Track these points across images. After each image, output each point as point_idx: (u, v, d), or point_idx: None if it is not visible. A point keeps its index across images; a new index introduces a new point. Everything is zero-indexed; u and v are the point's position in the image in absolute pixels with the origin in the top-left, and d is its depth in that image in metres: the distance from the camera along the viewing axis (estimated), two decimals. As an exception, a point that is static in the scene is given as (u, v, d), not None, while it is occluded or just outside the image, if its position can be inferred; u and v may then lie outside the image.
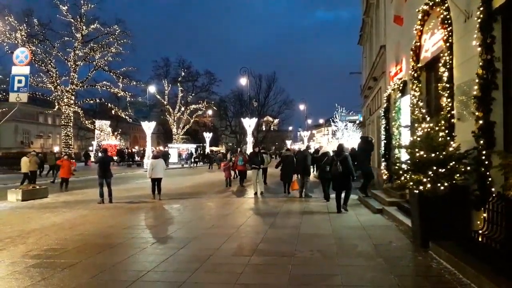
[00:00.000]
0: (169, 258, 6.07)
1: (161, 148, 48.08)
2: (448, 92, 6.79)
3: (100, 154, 15.75)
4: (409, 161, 6.57)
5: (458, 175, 5.94)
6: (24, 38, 29.99)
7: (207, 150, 51.56)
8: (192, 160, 40.93)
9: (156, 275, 5.29)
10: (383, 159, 13.10)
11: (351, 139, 55.72)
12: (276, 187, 17.22)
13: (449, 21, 6.85)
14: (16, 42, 28.99)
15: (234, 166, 18.88)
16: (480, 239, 4.94)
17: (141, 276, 5.22)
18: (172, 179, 16.24)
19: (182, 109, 53.54)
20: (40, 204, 12.57)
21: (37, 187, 14.61)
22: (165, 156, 37.53)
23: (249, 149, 33.62)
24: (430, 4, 7.70)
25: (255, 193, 14.25)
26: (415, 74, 8.91)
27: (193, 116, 55.42)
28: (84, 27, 33.32)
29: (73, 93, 33.54)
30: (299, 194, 13.39)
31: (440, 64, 7.04)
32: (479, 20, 5.58)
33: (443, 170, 5.92)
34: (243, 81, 37.33)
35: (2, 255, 6.32)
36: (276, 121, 77.93)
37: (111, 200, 12.55)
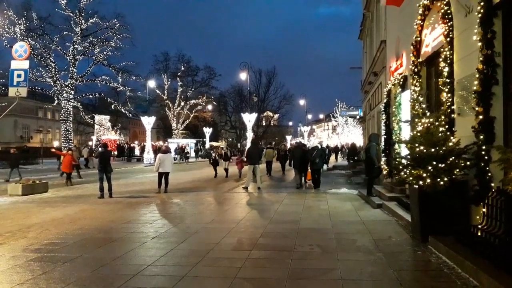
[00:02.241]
0: (169, 253, 6.10)
1: (161, 143, 48.06)
2: (448, 87, 6.78)
3: (100, 149, 15.90)
4: (409, 156, 6.58)
5: (457, 170, 5.95)
6: (23, 32, 29.87)
7: (207, 145, 51.61)
8: (183, 155, 38.96)
9: (156, 269, 5.31)
10: (383, 154, 13.10)
11: (351, 134, 55.87)
12: (279, 180, 17.29)
13: (450, 16, 6.83)
14: (15, 36, 28.88)
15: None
16: (479, 234, 4.95)
17: (141, 270, 5.24)
18: (172, 174, 16.24)
19: (182, 104, 53.40)
20: (40, 199, 12.60)
21: (37, 181, 14.63)
22: (182, 150, 37.73)
23: (248, 145, 33.65)
24: (431, -2, 7.67)
25: (258, 188, 14.56)
26: (416, 69, 8.89)
27: (193, 111, 55.30)
28: (83, 21, 33.16)
29: (73, 87, 33.47)
30: (298, 186, 14.79)
31: (441, 59, 7.03)
32: (479, 15, 5.56)
33: (443, 165, 5.93)
34: (243, 76, 37.24)
35: (3, 249, 6.34)
36: (276, 116, 77.78)
37: (111, 195, 12.59)
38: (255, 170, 15.07)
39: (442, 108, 6.94)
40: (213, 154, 22.46)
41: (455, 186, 5.91)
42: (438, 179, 5.92)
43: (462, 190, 5.95)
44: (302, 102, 61.54)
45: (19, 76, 12.81)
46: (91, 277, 5.01)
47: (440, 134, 6.29)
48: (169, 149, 16.01)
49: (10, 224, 8.40)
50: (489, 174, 5.43)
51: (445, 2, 6.93)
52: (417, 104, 8.40)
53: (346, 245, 6.41)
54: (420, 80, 8.78)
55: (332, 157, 39.23)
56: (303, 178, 15.52)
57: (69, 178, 16.92)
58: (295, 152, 16.00)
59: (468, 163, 5.91)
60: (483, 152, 5.50)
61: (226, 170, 20.02)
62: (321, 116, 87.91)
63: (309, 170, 15.26)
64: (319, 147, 16.16)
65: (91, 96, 39.74)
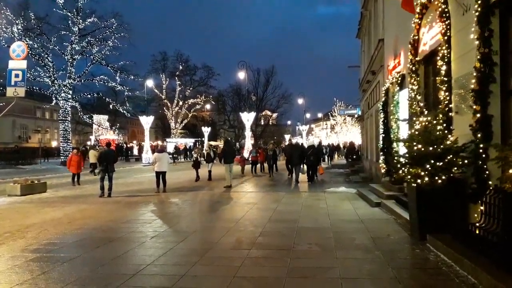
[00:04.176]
0: (168, 252, 6.11)
1: (159, 142, 47.97)
2: (446, 85, 6.80)
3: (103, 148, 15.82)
4: (407, 155, 6.59)
5: (455, 168, 5.98)
6: (21, 32, 29.74)
7: (205, 144, 51.56)
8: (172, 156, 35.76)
9: (156, 269, 5.32)
10: (381, 153, 13.13)
11: (350, 133, 55.96)
12: (277, 180, 17.31)
13: (447, 15, 6.84)
14: (13, 36, 28.77)
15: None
16: (477, 232, 4.97)
17: (141, 269, 5.25)
18: (171, 173, 16.26)
19: (180, 103, 53.36)
20: (38, 199, 12.58)
21: (36, 181, 14.61)
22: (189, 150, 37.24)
23: (248, 143, 33.64)
24: (429, -3, 7.67)
25: (229, 186, 14.88)
26: (413, 68, 8.91)
27: (191, 111, 55.26)
28: (81, 21, 33.05)
29: (71, 87, 33.36)
30: (295, 180, 16.43)
31: (438, 58, 7.04)
32: (477, 14, 5.57)
33: (441, 163, 5.95)
34: (241, 75, 37.22)
35: (2, 250, 6.33)
36: (274, 115, 77.71)
37: (110, 194, 12.62)
38: (230, 169, 15.25)
39: (440, 106, 6.96)
40: (194, 155, 19.65)
41: (453, 184, 5.94)
42: (436, 178, 5.94)
43: (460, 188, 5.96)
44: (300, 101, 61.29)
45: (17, 76, 12.79)
46: (90, 276, 5.02)
47: (438, 133, 6.31)
48: (165, 148, 15.97)
49: (8, 225, 8.39)
50: (487, 172, 5.45)
51: (442, 1, 6.94)
52: (415, 102, 8.44)
53: (344, 244, 6.42)
54: (418, 78, 8.80)
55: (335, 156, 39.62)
56: (296, 174, 16.98)
57: (73, 179, 16.62)
58: (293, 151, 17.38)
59: (466, 161, 5.93)
60: (481, 150, 5.52)
61: (209, 172, 18.21)
62: (320, 115, 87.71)
63: (320, 165, 17.88)
64: (315, 146, 18.22)
65: (89, 96, 39.68)
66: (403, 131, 10.56)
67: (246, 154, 26.62)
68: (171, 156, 35.99)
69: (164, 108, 53.69)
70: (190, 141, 51.89)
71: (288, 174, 18.69)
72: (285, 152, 19.95)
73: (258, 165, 22.59)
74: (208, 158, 18.38)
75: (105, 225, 8.31)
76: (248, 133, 35.60)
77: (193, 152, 23.53)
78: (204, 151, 19.59)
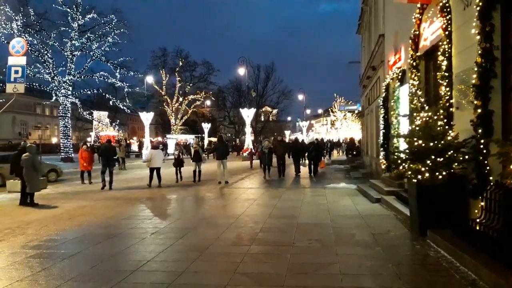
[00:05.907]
0: (168, 248, 6.11)
1: (159, 138, 48.00)
2: (446, 81, 6.77)
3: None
4: (407, 150, 6.58)
5: (456, 164, 5.96)
6: (20, 28, 29.64)
7: (206, 140, 51.59)
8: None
9: (156, 265, 5.32)
10: (381, 149, 13.12)
11: (350, 128, 55.91)
12: (276, 177, 17.29)
13: (448, 9, 6.80)
14: (12, 32, 28.69)
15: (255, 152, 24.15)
16: (477, 228, 4.96)
17: (141, 265, 5.25)
18: (171, 169, 16.25)
19: (180, 99, 53.31)
20: (39, 195, 12.54)
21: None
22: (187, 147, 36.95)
23: (248, 140, 33.66)
24: (430, -8, 7.63)
25: (219, 182, 14.92)
26: (414, 63, 8.87)
27: (192, 107, 55.23)
28: (80, 17, 32.94)
29: (70, 83, 33.29)
30: (296, 173, 17.74)
31: (439, 53, 7.01)
32: (478, 8, 5.54)
33: (441, 159, 5.93)
34: (241, 71, 37.11)
35: (2, 246, 6.34)
36: (275, 111, 77.65)
37: (111, 187, 13.02)
38: (223, 165, 15.17)
39: (441, 102, 6.93)
40: (176, 152, 16.87)
41: (454, 180, 5.92)
42: (437, 173, 5.93)
43: (460, 184, 5.95)
44: (300, 97, 61.18)
45: (16, 72, 12.74)
46: (90, 273, 5.02)
47: (438, 128, 6.29)
48: (159, 145, 15.98)
49: (9, 221, 8.39)
50: (488, 167, 5.43)
51: (443, -4, 6.89)
52: (415, 98, 8.40)
53: (345, 240, 6.42)
54: (419, 74, 8.76)
55: (335, 152, 39.67)
56: (312, 168, 18.42)
57: (82, 176, 15.80)
58: (295, 147, 18.87)
59: (466, 157, 5.92)
60: (482, 146, 5.50)
61: (196, 172, 15.73)
62: (320, 111, 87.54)
63: (322, 159, 19.96)
64: (315, 142, 19.64)
65: (89, 92, 39.68)
66: (404, 126, 10.53)
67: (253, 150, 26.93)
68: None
69: (164, 104, 53.61)
70: (190, 137, 51.85)
71: (279, 175, 17.31)
72: (275, 149, 18.14)
73: None
74: (196, 157, 15.68)
75: (105, 221, 8.31)
76: (248, 129, 35.57)
77: (174, 150, 20.05)
78: (192, 148, 16.81)
